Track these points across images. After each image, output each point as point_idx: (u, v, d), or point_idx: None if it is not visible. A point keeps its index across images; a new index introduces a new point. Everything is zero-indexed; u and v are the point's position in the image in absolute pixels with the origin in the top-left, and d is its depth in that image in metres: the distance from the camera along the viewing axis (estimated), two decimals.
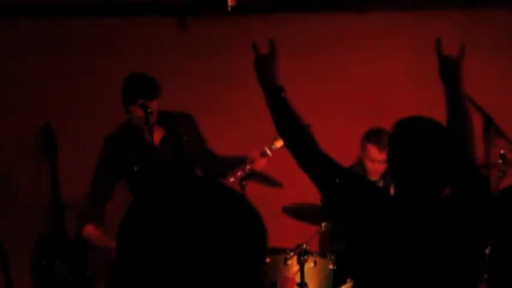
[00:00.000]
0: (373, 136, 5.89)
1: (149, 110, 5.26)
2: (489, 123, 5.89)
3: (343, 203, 3.39)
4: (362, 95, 6.86)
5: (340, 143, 5.77)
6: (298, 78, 6.90)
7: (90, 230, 5.13)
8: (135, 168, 5.27)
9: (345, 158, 6.34)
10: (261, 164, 5.44)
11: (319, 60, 6.91)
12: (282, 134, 3.62)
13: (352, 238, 3.42)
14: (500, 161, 5.85)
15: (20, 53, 6.65)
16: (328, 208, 4.25)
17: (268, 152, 5.46)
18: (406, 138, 3.37)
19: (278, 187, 5.91)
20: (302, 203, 5.67)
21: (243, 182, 5.78)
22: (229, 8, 6.39)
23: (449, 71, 3.65)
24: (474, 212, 3.26)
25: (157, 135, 5.35)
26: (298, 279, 5.42)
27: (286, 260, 5.49)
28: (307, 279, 5.40)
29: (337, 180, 3.48)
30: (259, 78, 3.67)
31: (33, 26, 6.66)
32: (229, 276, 2.03)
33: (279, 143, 5.41)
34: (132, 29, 6.74)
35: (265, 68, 3.69)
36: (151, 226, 2.06)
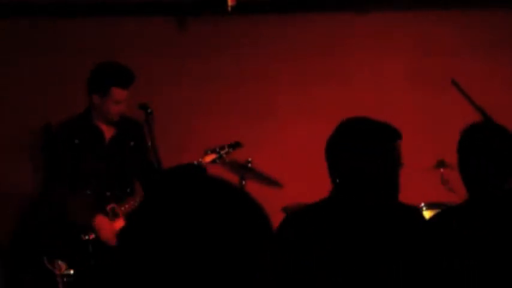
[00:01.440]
0: None
1: (149, 110, 5.27)
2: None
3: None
4: (362, 96, 6.86)
5: None
6: (298, 78, 6.91)
7: (102, 224, 5.15)
8: (83, 157, 5.25)
9: None
10: None
11: (319, 60, 6.91)
12: None
13: None
14: None
15: (20, 53, 6.65)
16: None
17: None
18: (342, 141, 3.36)
19: (278, 187, 5.92)
20: (302, 203, 5.67)
21: (243, 182, 5.79)
22: (230, 8, 6.39)
23: None
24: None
25: (109, 133, 5.35)
26: None
27: None
28: None
29: None
30: None
31: (33, 26, 6.65)
32: (233, 272, 2.03)
33: (209, 158, 5.46)
34: (132, 28, 6.74)
35: None
36: (159, 223, 2.05)
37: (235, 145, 5.62)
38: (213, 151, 5.53)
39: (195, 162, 5.42)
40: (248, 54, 6.88)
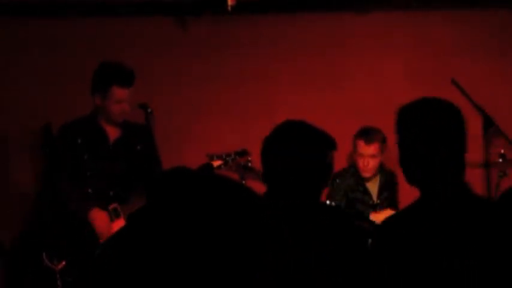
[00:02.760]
0: (361, 132, 6.06)
1: (149, 110, 5.27)
2: (489, 123, 5.89)
3: None
4: (362, 96, 6.86)
5: (339, 143, 5.78)
6: (298, 78, 6.90)
7: (98, 215, 5.16)
8: (86, 157, 5.27)
9: (342, 160, 6.36)
10: None
11: (318, 60, 6.90)
12: None
13: None
14: (500, 160, 5.86)
15: (20, 52, 6.64)
16: None
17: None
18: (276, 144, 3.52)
19: None
20: None
21: (243, 182, 5.78)
22: (229, 8, 6.39)
23: None
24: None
25: (114, 135, 5.35)
26: None
27: None
28: None
29: None
30: None
31: (33, 25, 6.65)
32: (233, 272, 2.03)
33: (215, 163, 5.47)
34: (132, 28, 6.74)
35: None
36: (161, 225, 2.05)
37: (242, 153, 5.64)
38: (220, 157, 5.54)
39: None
40: (248, 54, 6.88)
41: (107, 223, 5.19)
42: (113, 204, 5.27)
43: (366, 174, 6.07)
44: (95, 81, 5.27)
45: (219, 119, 6.81)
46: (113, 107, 5.25)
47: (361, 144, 6.00)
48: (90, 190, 5.25)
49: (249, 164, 5.83)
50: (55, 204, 5.30)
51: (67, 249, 5.15)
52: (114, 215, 5.25)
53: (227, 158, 5.55)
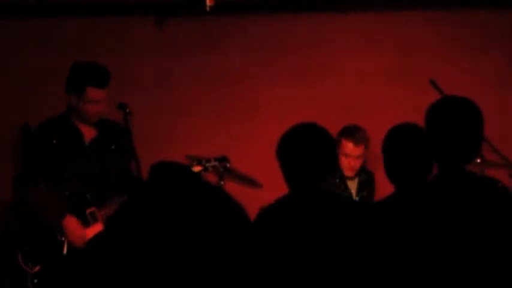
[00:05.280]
0: (348, 132, 6.00)
1: (127, 110, 5.24)
2: None
3: None
4: (343, 95, 6.87)
5: None
6: (278, 78, 6.90)
7: (69, 224, 5.10)
8: (61, 158, 5.20)
9: None
10: None
11: (299, 60, 6.90)
12: None
13: None
14: (478, 160, 5.87)
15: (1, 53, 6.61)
16: None
17: None
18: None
19: (257, 187, 5.90)
20: None
21: (221, 182, 5.77)
22: (208, 8, 6.38)
23: None
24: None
25: (90, 135, 5.30)
26: None
27: None
28: None
29: None
30: None
31: (13, 26, 6.62)
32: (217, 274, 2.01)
33: (195, 169, 5.45)
34: (111, 28, 6.71)
35: None
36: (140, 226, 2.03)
37: (222, 159, 5.60)
38: (199, 163, 5.51)
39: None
40: (227, 54, 6.87)
41: (79, 231, 5.12)
42: (90, 209, 5.21)
43: (350, 174, 6.08)
44: (70, 82, 5.21)
45: (199, 120, 6.79)
46: (88, 107, 5.19)
47: (349, 145, 5.96)
48: (67, 193, 5.19)
49: (228, 165, 5.80)
50: (28, 212, 5.24)
51: (42, 254, 5.10)
52: (91, 219, 5.19)
53: (206, 164, 5.52)
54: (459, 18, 6.94)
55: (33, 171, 5.22)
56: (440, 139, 3.71)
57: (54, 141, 5.22)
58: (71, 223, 5.11)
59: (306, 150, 3.72)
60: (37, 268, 5.08)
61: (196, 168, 5.45)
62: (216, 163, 5.57)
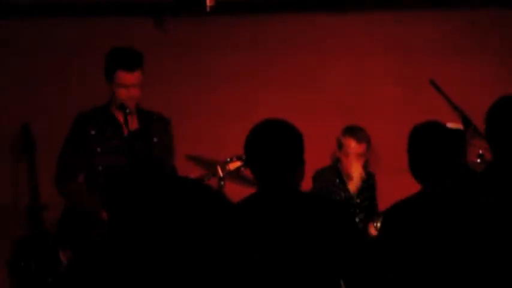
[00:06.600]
0: (350, 130, 6.02)
1: (127, 111, 5.20)
2: (467, 124, 5.91)
3: None
4: (342, 95, 6.87)
5: (320, 143, 5.78)
6: (278, 78, 6.90)
7: None
8: (98, 150, 5.18)
9: (325, 159, 6.36)
10: None
11: (299, 60, 6.91)
12: None
13: None
14: (478, 160, 5.87)
15: None
16: None
17: (220, 172, 5.45)
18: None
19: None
20: None
21: (222, 182, 5.76)
22: (208, 8, 6.38)
23: None
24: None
25: (130, 125, 5.26)
26: None
27: None
28: None
29: None
30: None
31: (12, 26, 6.62)
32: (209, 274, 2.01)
33: (234, 165, 5.42)
34: (110, 29, 6.71)
35: None
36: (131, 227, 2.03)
37: (214, 174, 5.59)
38: (239, 158, 5.47)
39: (219, 169, 5.39)
40: (227, 54, 6.87)
41: None
42: None
43: (352, 173, 6.06)
44: (105, 69, 5.19)
45: (197, 120, 6.80)
46: (119, 92, 5.15)
47: (352, 143, 5.97)
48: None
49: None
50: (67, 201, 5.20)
51: (76, 240, 5.07)
52: None
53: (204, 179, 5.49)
54: (459, 18, 6.95)
55: (69, 165, 5.19)
56: (500, 138, 3.75)
57: (92, 132, 5.19)
58: None
59: (272, 146, 3.63)
60: (68, 253, 5.07)
61: (236, 164, 5.43)
62: (211, 176, 5.56)
